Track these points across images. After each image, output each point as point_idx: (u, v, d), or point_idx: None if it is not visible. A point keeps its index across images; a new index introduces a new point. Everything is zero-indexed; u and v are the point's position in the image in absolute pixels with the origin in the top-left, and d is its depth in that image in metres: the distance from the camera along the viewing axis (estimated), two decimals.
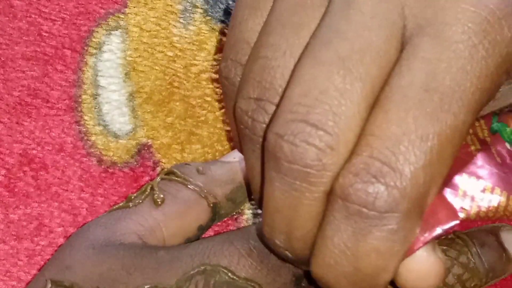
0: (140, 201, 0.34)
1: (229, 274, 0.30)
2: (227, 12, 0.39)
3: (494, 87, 0.26)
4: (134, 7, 0.39)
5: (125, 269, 0.31)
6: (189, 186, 0.34)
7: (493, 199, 0.28)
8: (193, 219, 0.34)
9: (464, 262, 0.33)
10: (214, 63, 0.38)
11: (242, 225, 0.37)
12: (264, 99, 0.26)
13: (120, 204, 0.34)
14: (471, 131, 0.29)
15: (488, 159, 0.28)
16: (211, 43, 0.38)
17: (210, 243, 0.31)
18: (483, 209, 0.28)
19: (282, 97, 0.26)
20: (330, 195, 0.25)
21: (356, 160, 0.25)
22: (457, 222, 0.27)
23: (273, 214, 0.27)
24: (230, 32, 0.29)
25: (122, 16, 0.39)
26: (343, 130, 0.25)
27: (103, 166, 0.37)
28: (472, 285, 0.34)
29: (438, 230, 0.27)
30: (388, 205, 0.24)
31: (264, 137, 0.26)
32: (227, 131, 0.38)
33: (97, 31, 0.39)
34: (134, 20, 0.39)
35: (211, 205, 0.34)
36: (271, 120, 0.26)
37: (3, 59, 0.38)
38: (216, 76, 0.38)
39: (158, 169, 0.37)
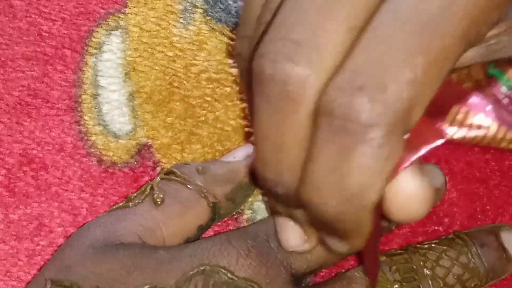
0: (140, 201, 0.34)
1: (228, 274, 0.30)
2: (227, 12, 0.39)
3: (483, 19, 0.26)
4: (134, 7, 0.39)
5: (124, 269, 0.31)
6: (188, 186, 0.34)
7: (482, 127, 0.28)
8: (193, 219, 0.34)
9: (464, 262, 0.33)
10: (214, 63, 0.38)
11: (242, 225, 0.37)
12: None
13: (120, 204, 0.34)
14: (465, 71, 0.29)
15: (481, 95, 0.28)
16: (211, 43, 0.38)
17: (209, 244, 0.31)
18: (471, 134, 0.28)
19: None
20: (315, 116, 0.25)
21: (340, 76, 0.24)
22: (442, 140, 0.27)
23: (263, 143, 0.26)
24: (242, 12, 0.29)
25: (122, 16, 0.39)
26: (325, 45, 0.25)
27: (103, 166, 0.37)
28: (472, 285, 0.34)
29: (423, 150, 0.27)
30: (371, 118, 0.24)
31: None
32: (227, 131, 0.38)
33: (97, 31, 0.39)
34: (134, 20, 0.39)
35: (211, 205, 0.34)
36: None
37: (3, 59, 0.38)
38: (216, 76, 0.38)
39: (158, 169, 0.37)
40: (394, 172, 0.26)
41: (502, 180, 0.38)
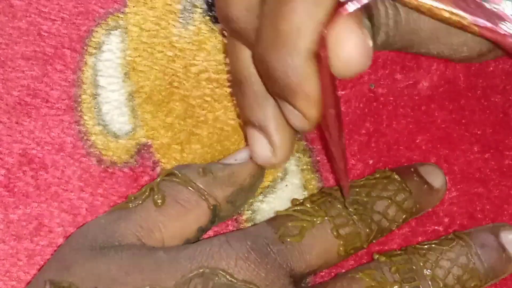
0: (140, 201, 0.34)
1: (227, 276, 0.30)
2: None
3: None
4: (133, 6, 0.39)
5: (123, 270, 0.31)
6: (189, 187, 0.34)
7: None
8: (193, 220, 0.34)
9: (464, 262, 0.33)
10: (214, 63, 0.38)
11: (242, 225, 0.37)
12: None
13: (120, 205, 0.34)
14: None
15: None
16: (211, 43, 0.38)
17: (209, 245, 0.31)
18: None
19: None
20: None
21: None
22: None
23: None
24: None
25: (122, 15, 0.39)
26: None
27: (102, 166, 0.37)
28: (472, 285, 0.34)
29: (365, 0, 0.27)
30: None
31: None
32: (227, 131, 0.38)
33: (96, 31, 0.38)
34: (134, 19, 0.39)
35: (211, 207, 0.34)
36: None
37: (2, 59, 0.38)
38: (215, 76, 0.38)
39: (158, 169, 0.37)
40: (334, 19, 0.27)
41: (501, 180, 0.38)
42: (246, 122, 0.33)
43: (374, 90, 0.39)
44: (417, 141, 0.39)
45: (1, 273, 0.35)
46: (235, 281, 0.30)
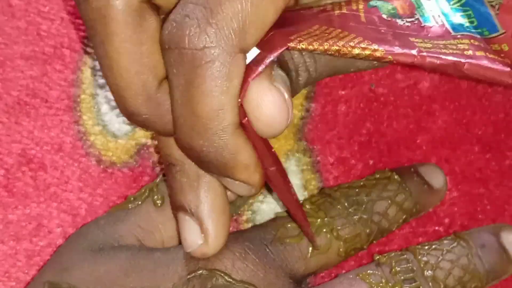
0: (140, 202, 0.33)
1: (226, 277, 0.30)
2: None
3: None
4: None
5: (122, 271, 0.31)
6: None
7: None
8: None
9: (465, 263, 0.33)
10: None
11: (242, 225, 0.37)
12: None
13: (119, 205, 0.34)
14: (342, 2, 0.29)
15: (351, 18, 0.28)
16: None
17: None
18: (319, 42, 0.27)
19: None
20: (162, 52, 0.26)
21: (174, 10, 0.26)
22: (286, 47, 0.27)
23: (103, 71, 0.27)
24: None
25: None
26: None
27: (102, 166, 0.37)
28: (472, 286, 0.34)
29: (269, 58, 0.27)
30: (202, 40, 0.25)
31: None
32: None
33: None
34: None
35: None
36: None
37: (1, 59, 0.38)
38: None
39: (157, 169, 0.37)
40: (245, 87, 0.26)
41: (502, 180, 0.38)
42: (177, 208, 0.31)
43: (375, 90, 0.39)
44: (418, 141, 0.38)
45: (0, 274, 0.35)
46: (233, 282, 0.30)
